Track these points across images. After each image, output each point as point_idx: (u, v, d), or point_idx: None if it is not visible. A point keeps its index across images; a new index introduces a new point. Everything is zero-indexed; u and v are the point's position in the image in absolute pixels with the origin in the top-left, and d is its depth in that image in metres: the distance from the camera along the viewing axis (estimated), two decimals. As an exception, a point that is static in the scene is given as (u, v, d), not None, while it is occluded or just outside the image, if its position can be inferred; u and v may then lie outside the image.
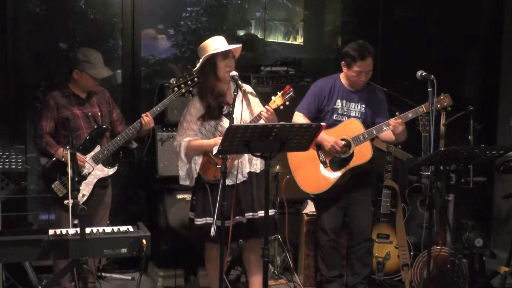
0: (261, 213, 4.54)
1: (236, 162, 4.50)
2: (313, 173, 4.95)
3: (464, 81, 7.23)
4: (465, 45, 7.00)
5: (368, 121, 4.94)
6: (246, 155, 4.53)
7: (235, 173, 4.52)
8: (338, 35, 7.33)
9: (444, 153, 4.32)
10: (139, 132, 4.85)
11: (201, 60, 4.56)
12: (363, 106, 4.96)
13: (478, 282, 5.32)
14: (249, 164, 4.59)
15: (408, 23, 7.00)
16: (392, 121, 4.75)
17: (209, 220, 4.52)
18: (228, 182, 4.47)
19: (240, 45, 4.62)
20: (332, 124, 4.93)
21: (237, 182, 4.53)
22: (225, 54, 4.51)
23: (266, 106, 4.46)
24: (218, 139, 4.42)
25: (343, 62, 4.92)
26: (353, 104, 4.96)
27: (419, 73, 4.64)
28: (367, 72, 4.87)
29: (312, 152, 4.91)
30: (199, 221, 4.57)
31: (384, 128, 4.82)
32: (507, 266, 5.14)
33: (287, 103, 4.46)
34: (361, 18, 7.09)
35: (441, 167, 4.76)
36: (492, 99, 6.85)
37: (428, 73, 4.58)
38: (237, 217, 4.52)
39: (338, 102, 4.96)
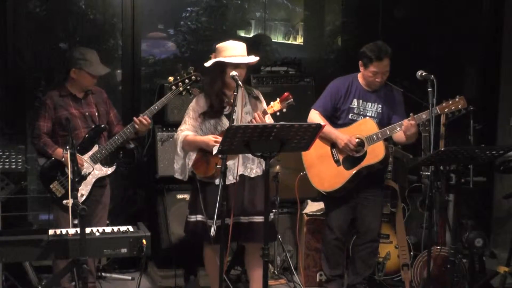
0: (251, 218, 4.54)
1: (229, 162, 4.49)
2: (326, 171, 4.96)
3: (464, 81, 7.22)
4: (465, 45, 6.99)
5: (384, 121, 4.94)
6: (240, 157, 4.53)
7: (228, 174, 4.47)
8: (338, 35, 7.33)
9: (444, 153, 4.32)
10: (136, 132, 4.83)
11: (211, 61, 4.55)
12: (380, 106, 4.96)
13: (478, 282, 5.32)
14: (243, 167, 4.58)
15: (408, 23, 7.00)
16: (405, 121, 4.75)
17: (199, 218, 4.55)
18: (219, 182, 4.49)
19: (257, 58, 4.57)
20: (348, 123, 4.95)
21: (227, 183, 4.49)
22: (237, 64, 4.48)
23: (257, 112, 4.46)
24: (212, 137, 4.45)
25: (360, 61, 4.93)
26: (369, 104, 4.97)
27: (419, 73, 4.64)
28: (384, 73, 4.88)
29: (326, 150, 4.95)
30: (191, 218, 4.62)
31: (398, 129, 4.82)
32: (507, 266, 5.13)
33: (285, 110, 4.45)
34: (361, 18, 7.09)
35: (441, 167, 4.76)
36: (492, 99, 6.85)
37: (428, 73, 4.58)
38: (225, 219, 4.48)
39: (355, 101, 4.97)
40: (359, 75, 5.02)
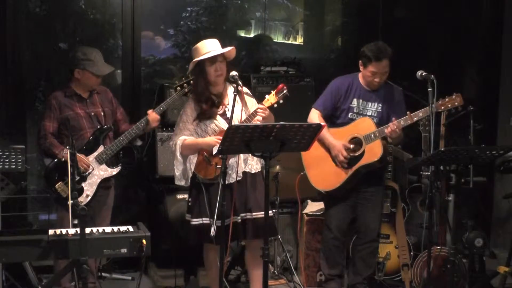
0: (255, 214, 4.53)
1: (230, 161, 4.50)
2: (325, 170, 4.96)
3: (464, 81, 7.23)
4: (465, 45, 7.00)
5: (384, 121, 4.92)
6: (241, 155, 4.53)
7: (230, 172, 4.51)
8: (338, 35, 7.33)
9: (444, 153, 4.32)
10: (145, 129, 4.84)
11: (190, 65, 4.57)
12: (380, 105, 4.95)
13: (478, 282, 5.32)
14: (244, 164, 4.58)
15: (408, 23, 7.00)
16: (390, 125, 4.75)
17: (205, 220, 4.52)
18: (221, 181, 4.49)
19: (232, 47, 4.58)
20: (347, 122, 4.95)
21: (231, 181, 4.52)
22: (213, 59, 4.48)
23: (259, 105, 4.45)
24: (214, 137, 4.44)
25: (360, 61, 4.93)
26: (369, 104, 4.96)
27: (419, 73, 4.64)
28: (383, 74, 4.87)
29: (325, 150, 4.96)
30: (195, 221, 4.56)
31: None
32: (507, 266, 5.14)
33: (281, 101, 4.44)
34: (361, 18, 7.10)
35: (441, 167, 4.76)
36: (492, 99, 6.85)
37: (428, 73, 4.58)
38: (226, 220, 4.47)
39: (354, 101, 4.96)
40: (360, 75, 5.01)
